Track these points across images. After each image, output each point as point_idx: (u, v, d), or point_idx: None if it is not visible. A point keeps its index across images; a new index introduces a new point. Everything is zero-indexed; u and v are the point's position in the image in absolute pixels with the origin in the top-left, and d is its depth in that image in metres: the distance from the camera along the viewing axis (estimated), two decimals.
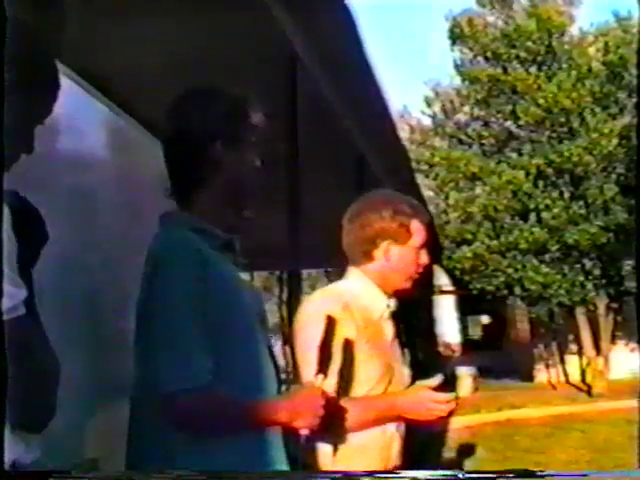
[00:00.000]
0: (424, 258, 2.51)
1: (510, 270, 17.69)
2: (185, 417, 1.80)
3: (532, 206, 17.41)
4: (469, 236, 18.29)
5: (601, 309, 18.18)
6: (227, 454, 1.85)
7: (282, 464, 1.99)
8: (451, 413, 2.33)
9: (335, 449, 2.29)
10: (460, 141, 19.60)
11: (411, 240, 2.47)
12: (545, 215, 17.21)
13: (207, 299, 1.81)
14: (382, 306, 2.47)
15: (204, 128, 1.96)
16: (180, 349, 1.79)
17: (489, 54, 18.53)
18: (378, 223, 2.46)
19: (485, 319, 25.59)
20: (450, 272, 19.67)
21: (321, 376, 1.96)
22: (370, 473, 2.10)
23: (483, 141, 19.00)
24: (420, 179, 15.05)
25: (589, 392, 17.24)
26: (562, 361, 20.37)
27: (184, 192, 1.97)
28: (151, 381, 1.82)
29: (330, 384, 2.02)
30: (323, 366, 2.00)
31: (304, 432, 1.91)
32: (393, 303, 2.52)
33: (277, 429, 1.96)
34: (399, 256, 2.47)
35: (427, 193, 16.49)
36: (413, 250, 2.48)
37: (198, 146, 1.95)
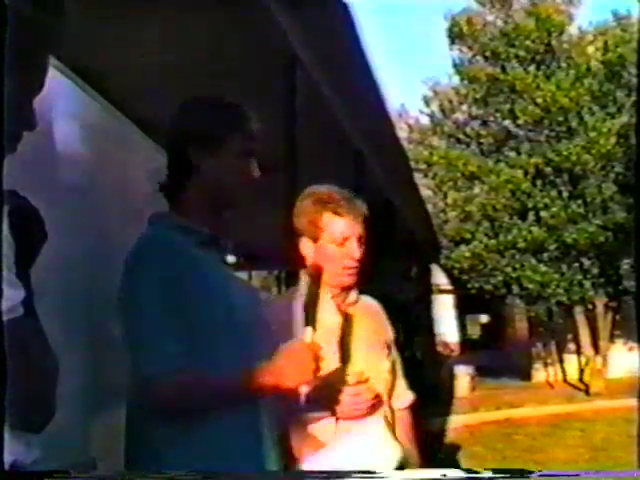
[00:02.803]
0: (351, 252, 2.42)
1: (508, 269, 17.68)
2: (160, 401, 1.85)
3: (531, 205, 17.39)
4: (467, 235, 18.28)
5: (599, 308, 18.17)
6: (215, 448, 1.87)
7: (272, 455, 2.00)
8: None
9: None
10: (458, 140, 19.58)
11: (323, 235, 2.41)
12: (544, 214, 17.20)
13: (183, 293, 1.87)
14: (324, 303, 2.43)
15: (182, 132, 2.03)
16: (146, 338, 1.86)
17: (488, 53, 18.52)
18: (293, 221, 2.46)
19: (484, 318, 25.62)
20: (448, 271, 19.68)
21: (309, 329, 1.95)
22: (366, 473, 2.10)
23: (481, 140, 18.97)
24: (418, 178, 15.06)
25: (587, 391, 17.25)
26: (560, 360, 20.37)
27: (172, 192, 2.04)
28: (132, 374, 1.90)
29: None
30: (310, 320, 1.98)
31: (304, 390, 1.90)
32: (342, 297, 2.48)
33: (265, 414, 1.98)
34: (315, 253, 2.42)
35: (425, 192, 16.50)
36: (329, 245, 2.41)
37: (177, 149, 2.02)
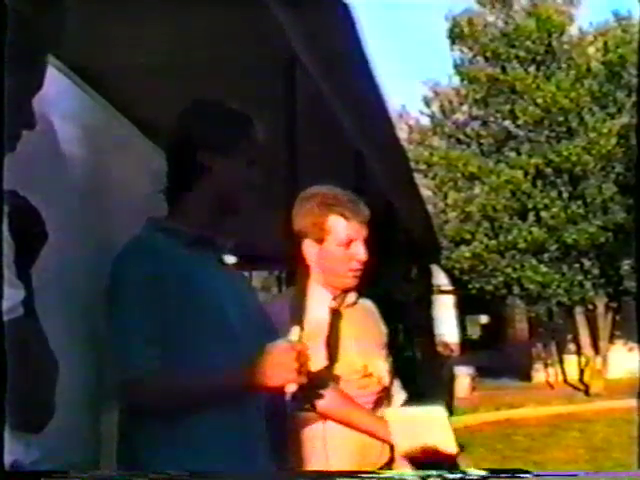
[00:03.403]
0: (357, 254, 2.43)
1: (509, 270, 17.69)
2: (136, 404, 1.89)
3: (531, 206, 17.41)
4: (468, 236, 18.29)
5: (600, 308, 18.19)
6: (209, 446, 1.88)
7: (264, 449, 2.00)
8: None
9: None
10: (459, 141, 19.59)
11: (329, 237, 2.42)
12: (544, 215, 17.21)
13: (159, 295, 1.89)
14: (324, 304, 2.42)
15: (192, 134, 2.04)
16: (124, 341, 1.89)
17: (488, 54, 18.53)
18: (295, 222, 2.46)
19: (484, 319, 25.60)
20: (449, 272, 19.68)
21: (297, 328, 1.95)
22: (358, 474, 2.10)
23: (482, 141, 18.99)
24: (419, 179, 15.05)
25: (587, 392, 17.25)
26: (560, 360, 20.38)
27: (174, 195, 2.06)
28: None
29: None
30: (297, 319, 1.98)
31: (291, 389, 1.91)
32: (342, 298, 2.49)
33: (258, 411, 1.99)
34: (319, 255, 2.42)
35: (426, 193, 16.49)
36: (335, 247, 2.42)
37: (185, 151, 2.03)
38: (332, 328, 2.42)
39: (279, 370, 1.86)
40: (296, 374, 1.86)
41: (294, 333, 1.92)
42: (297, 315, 2.00)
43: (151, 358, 1.86)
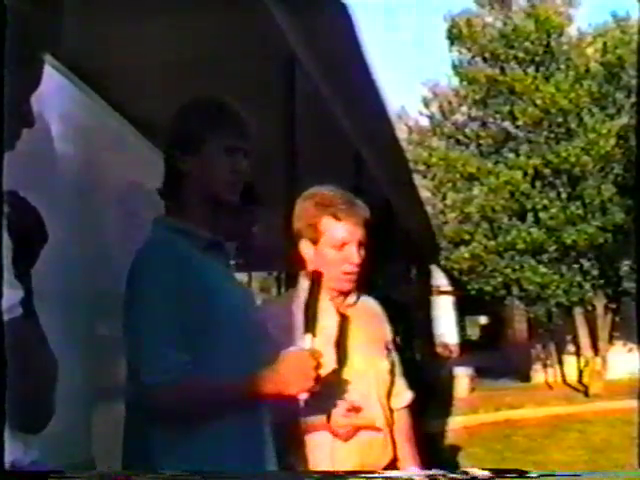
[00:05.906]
0: (349, 257, 2.40)
1: (508, 270, 17.68)
2: (161, 408, 1.86)
3: (530, 206, 17.40)
4: (467, 237, 18.28)
5: (599, 309, 18.17)
6: (212, 449, 1.87)
7: (270, 456, 1.99)
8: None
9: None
10: (458, 141, 19.58)
11: (322, 239, 2.39)
12: (543, 215, 17.20)
13: (183, 297, 1.86)
14: (327, 307, 2.39)
15: (169, 140, 2.03)
16: (150, 345, 1.86)
17: (487, 54, 18.52)
18: (293, 222, 2.44)
19: (483, 319, 25.64)
20: (448, 272, 19.69)
21: (309, 335, 1.93)
22: (360, 473, 2.10)
23: (481, 141, 18.97)
24: (418, 179, 15.06)
25: (586, 392, 17.24)
26: (560, 361, 20.37)
27: (170, 197, 2.05)
28: (131, 380, 1.91)
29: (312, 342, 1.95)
30: (310, 327, 1.96)
31: (302, 397, 1.90)
32: (342, 300, 2.47)
33: (266, 421, 1.98)
34: (315, 256, 2.40)
35: (425, 194, 16.50)
36: (328, 249, 2.39)
37: (168, 157, 2.03)
38: (333, 330, 2.41)
39: (297, 378, 1.86)
40: (313, 382, 1.86)
41: (307, 341, 1.91)
42: (310, 320, 1.97)
43: (178, 365, 1.84)
